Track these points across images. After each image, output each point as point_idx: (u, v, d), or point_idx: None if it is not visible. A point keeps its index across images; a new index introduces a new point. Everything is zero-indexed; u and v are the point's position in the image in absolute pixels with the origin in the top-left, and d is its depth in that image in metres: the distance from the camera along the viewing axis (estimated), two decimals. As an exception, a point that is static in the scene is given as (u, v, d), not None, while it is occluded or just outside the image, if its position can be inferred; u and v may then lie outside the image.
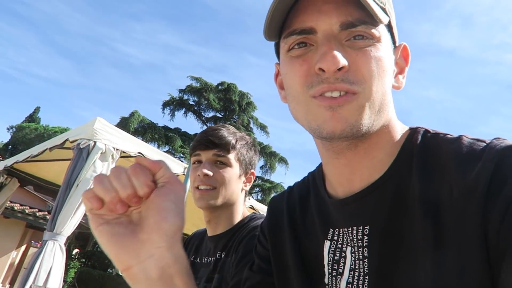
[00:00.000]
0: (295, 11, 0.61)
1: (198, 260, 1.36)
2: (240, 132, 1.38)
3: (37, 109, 42.56)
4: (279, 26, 0.63)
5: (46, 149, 3.82)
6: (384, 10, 0.61)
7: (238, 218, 1.33)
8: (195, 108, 25.55)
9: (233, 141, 1.30)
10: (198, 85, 25.03)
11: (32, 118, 40.84)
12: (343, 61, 0.56)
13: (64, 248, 3.00)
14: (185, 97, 25.34)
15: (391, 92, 0.65)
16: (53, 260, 2.86)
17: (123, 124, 22.41)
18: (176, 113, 25.07)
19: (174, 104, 25.05)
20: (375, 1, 0.59)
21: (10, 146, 35.21)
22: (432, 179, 0.58)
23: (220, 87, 25.06)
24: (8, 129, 37.65)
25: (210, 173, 1.24)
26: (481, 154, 0.55)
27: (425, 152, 0.62)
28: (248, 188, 1.37)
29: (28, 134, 32.16)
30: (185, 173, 3.86)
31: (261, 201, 22.35)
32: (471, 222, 0.51)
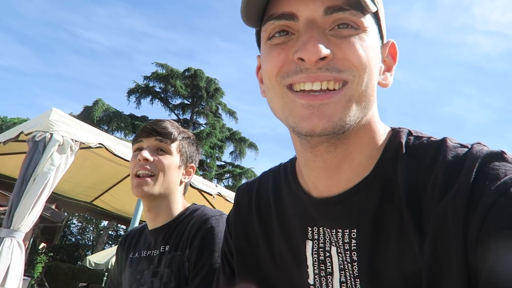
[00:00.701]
0: None
1: (136, 255, 1.35)
2: (183, 129, 1.39)
3: (-7, 100, 40.38)
4: (260, 12, 0.59)
5: (0, 143, 3.65)
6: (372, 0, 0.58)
7: (178, 209, 1.33)
8: (162, 95, 25.06)
9: (176, 132, 1.33)
10: (164, 71, 24.51)
11: (-12, 109, 38.75)
12: (324, 51, 0.52)
13: (22, 245, 2.90)
14: (151, 84, 24.78)
15: (376, 90, 0.62)
16: (11, 258, 2.76)
17: (87, 114, 21.69)
18: (142, 100, 24.53)
19: (139, 92, 24.46)
20: None
21: (-34, 140, 33.46)
22: (417, 182, 0.58)
23: (186, 73, 24.64)
24: (-38, 121, 35.63)
25: (151, 158, 1.25)
26: (463, 160, 0.55)
27: (410, 155, 0.61)
28: (187, 181, 1.38)
29: (-16, 127, 30.57)
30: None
31: (232, 187, 22.42)
32: (453, 227, 0.51)
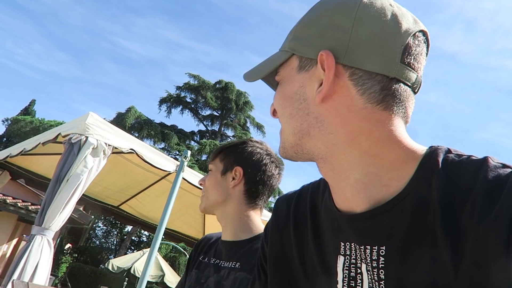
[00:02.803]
0: None
1: (206, 259, 1.35)
2: (254, 141, 1.41)
3: (32, 102, 42.31)
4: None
5: (39, 143, 3.79)
6: (285, 51, 0.68)
7: (245, 224, 1.30)
8: (192, 106, 25.52)
9: (220, 147, 1.39)
10: (196, 82, 25.00)
11: (28, 111, 40.60)
12: (272, 109, 0.72)
13: (52, 243, 2.98)
14: (182, 94, 25.31)
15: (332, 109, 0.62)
16: (40, 255, 2.84)
17: (119, 120, 22.34)
18: (172, 110, 25.06)
19: (171, 101, 25.01)
20: (275, 55, 0.71)
21: (5, 139, 35.02)
22: (454, 201, 0.55)
23: (217, 85, 25.04)
24: (3, 121, 37.42)
25: (202, 182, 1.40)
26: (505, 181, 0.52)
27: (447, 172, 0.58)
28: (239, 185, 1.31)
29: (23, 127, 31.99)
30: (177, 170, 3.85)
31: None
32: (493, 251, 0.49)
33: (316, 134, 0.64)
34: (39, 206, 11.68)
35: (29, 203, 11.88)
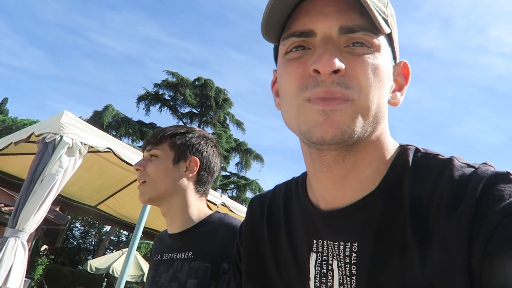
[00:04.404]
0: (296, 14, 0.60)
1: (158, 257, 1.33)
2: (185, 126, 1.36)
3: (4, 100, 40.99)
4: (280, 28, 0.62)
5: (11, 143, 3.68)
6: (386, 21, 0.60)
7: (194, 212, 1.28)
8: (171, 103, 25.24)
9: (166, 132, 1.30)
10: (174, 80, 24.74)
11: (0, 109, 39.32)
12: (339, 64, 0.55)
13: (26, 246, 2.90)
14: (161, 91, 25.00)
15: (387, 108, 0.64)
16: (14, 258, 2.76)
17: (96, 118, 21.90)
18: (151, 107, 24.72)
19: (149, 99, 24.67)
20: (378, 11, 0.58)
21: (-24, 138, 33.84)
22: (423, 200, 0.58)
23: (196, 82, 24.84)
24: (-27, 120, 36.07)
25: (139, 168, 1.26)
26: (469, 180, 0.55)
27: (416, 171, 0.61)
28: (193, 175, 1.29)
29: (-5, 126, 30.96)
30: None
31: (236, 197, 22.36)
32: (458, 248, 0.51)
33: (380, 123, 0.62)
34: (12, 208, 11.36)
35: (2, 205, 11.51)
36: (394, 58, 0.65)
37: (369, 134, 0.59)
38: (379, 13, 0.58)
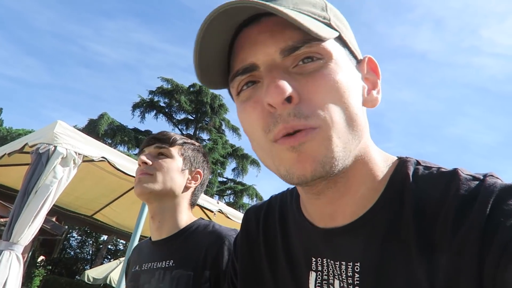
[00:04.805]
0: (234, 52, 0.56)
1: (137, 268, 1.31)
2: (184, 137, 1.38)
3: (-1, 111, 40.73)
4: (222, 73, 0.58)
5: (5, 154, 3.65)
6: (329, 25, 0.55)
7: (183, 220, 1.28)
8: (166, 110, 25.19)
9: (176, 137, 1.31)
10: (169, 86, 24.71)
11: (-6, 120, 39.04)
12: (288, 89, 0.50)
13: (21, 258, 2.86)
14: (156, 98, 24.94)
15: (365, 114, 0.60)
16: (8, 272, 2.72)
17: (92, 127, 21.81)
18: (146, 115, 24.65)
19: (144, 106, 24.61)
20: (315, 18, 0.54)
21: (-30, 150, 33.57)
22: (427, 215, 0.55)
23: (192, 89, 24.82)
24: (-33, 131, 35.77)
25: (149, 161, 1.23)
26: (476, 194, 0.52)
27: (418, 186, 0.58)
28: (194, 186, 1.33)
29: (-11, 137, 30.76)
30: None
31: (233, 203, 22.30)
32: (467, 264, 0.49)
33: (362, 134, 0.58)
34: (7, 219, 11.24)
35: (-2, 216, 11.39)
36: (355, 57, 0.60)
37: (355, 151, 0.55)
38: (317, 19, 0.54)
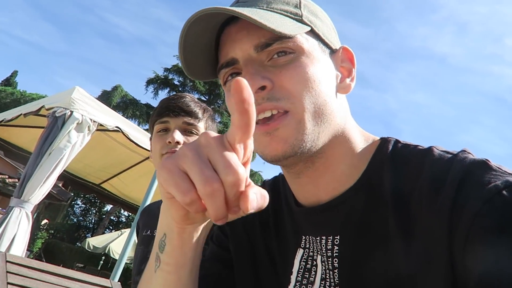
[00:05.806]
0: (220, 48, 0.64)
1: (149, 232, 1.32)
2: (203, 104, 1.34)
3: (14, 73, 41.15)
4: (212, 66, 0.66)
5: (21, 114, 3.71)
6: (300, 21, 0.61)
7: None
8: (180, 89, 25.23)
9: (201, 112, 1.28)
10: (185, 65, 24.66)
11: (9, 82, 39.50)
12: (260, 80, 0.57)
13: (30, 216, 2.93)
14: (170, 76, 24.97)
15: (343, 98, 0.66)
16: (18, 228, 2.79)
17: (105, 98, 21.96)
18: (160, 91, 24.71)
19: (158, 83, 24.67)
20: (287, 16, 0.60)
21: (-16, 109, 34.08)
22: (404, 189, 0.58)
23: (207, 70, 24.76)
24: (-17, 91, 36.28)
25: (183, 140, 1.20)
26: (448, 168, 0.55)
27: (396, 162, 0.61)
28: None
29: (3, 98, 31.14)
30: (162, 152, 3.82)
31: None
32: (439, 233, 0.51)
33: (333, 119, 0.63)
34: (16, 180, 11.47)
35: (6, 176, 11.62)
36: (329, 47, 0.65)
37: (326, 133, 0.60)
38: (288, 16, 0.60)
